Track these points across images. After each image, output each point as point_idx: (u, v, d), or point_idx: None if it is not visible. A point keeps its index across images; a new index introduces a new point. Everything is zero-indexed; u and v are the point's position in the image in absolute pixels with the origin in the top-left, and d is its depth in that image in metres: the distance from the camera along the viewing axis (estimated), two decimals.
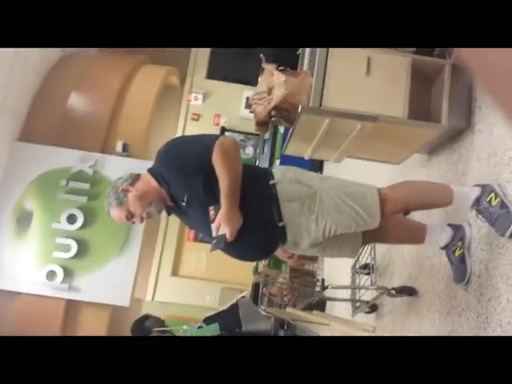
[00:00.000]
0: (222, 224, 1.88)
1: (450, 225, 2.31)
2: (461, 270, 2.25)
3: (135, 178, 2.11)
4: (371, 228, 2.02)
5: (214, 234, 1.91)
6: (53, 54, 6.32)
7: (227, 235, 1.88)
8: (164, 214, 7.10)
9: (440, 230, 2.28)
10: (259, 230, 2.00)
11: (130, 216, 2.08)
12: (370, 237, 2.21)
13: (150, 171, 2.10)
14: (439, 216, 2.62)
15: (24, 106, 6.00)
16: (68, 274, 5.76)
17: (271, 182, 2.00)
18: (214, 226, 1.90)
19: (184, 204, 2.02)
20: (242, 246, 1.99)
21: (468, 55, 0.47)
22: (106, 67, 6.47)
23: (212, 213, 1.92)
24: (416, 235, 2.29)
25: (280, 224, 1.97)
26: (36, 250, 5.81)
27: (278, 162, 5.57)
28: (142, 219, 2.10)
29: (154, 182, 2.06)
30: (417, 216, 2.70)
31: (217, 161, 1.91)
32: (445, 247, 2.29)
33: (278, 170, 2.11)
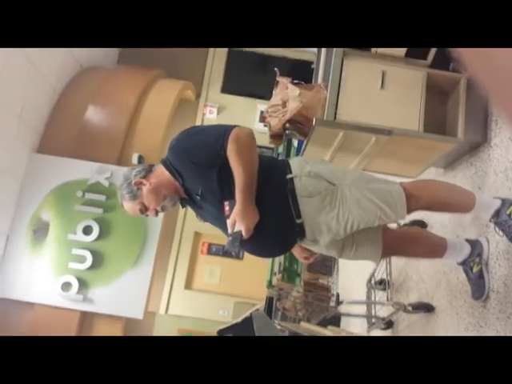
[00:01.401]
0: (238, 221, 1.79)
1: (467, 240, 2.27)
2: (479, 286, 2.21)
3: (148, 169, 2.02)
4: (395, 222, 1.96)
5: (229, 231, 1.82)
6: (70, 68, 6.43)
7: (243, 232, 1.79)
8: (178, 232, 7.08)
9: (459, 245, 2.24)
10: (276, 226, 1.90)
11: (143, 209, 2.00)
12: (389, 249, 2.11)
13: (164, 163, 2.00)
14: (456, 231, 2.58)
15: (42, 119, 6.10)
16: (83, 285, 5.80)
17: (288, 176, 1.89)
18: (229, 223, 1.81)
19: (198, 198, 1.94)
20: (257, 243, 1.90)
21: (467, 55, 0.46)
22: (122, 81, 6.56)
23: (227, 208, 1.83)
24: (436, 249, 2.21)
25: (298, 221, 1.87)
26: (52, 261, 5.86)
27: None
28: (156, 212, 2.02)
29: (167, 175, 1.97)
30: (432, 230, 2.66)
31: (232, 154, 1.81)
32: (462, 263, 2.25)
33: (296, 163, 1.97)
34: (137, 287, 5.82)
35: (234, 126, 1.87)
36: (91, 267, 5.85)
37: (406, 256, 2.39)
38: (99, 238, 5.93)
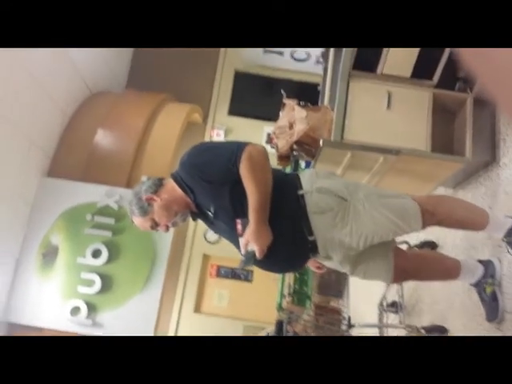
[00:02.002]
0: (251, 241, 1.76)
1: (479, 261, 2.23)
2: (493, 308, 2.17)
3: (158, 184, 1.97)
4: (409, 233, 1.93)
5: (242, 252, 1.80)
6: (80, 92, 6.53)
7: (256, 253, 1.77)
8: (187, 255, 7.03)
9: (473, 267, 2.20)
10: (289, 244, 1.87)
11: (154, 225, 1.97)
12: (403, 273, 2.07)
13: (174, 178, 1.95)
14: (467, 251, 2.54)
15: (52, 143, 6.17)
16: (92, 309, 5.76)
17: (300, 192, 1.86)
18: (242, 243, 1.78)
19: (210, 214, 1.91)
20: (270, 260, 1.86)
21: (469, 55, 0.46)
22: (131, 105, 6.64)
23: (239, 226, 1.80)
24: (450, 272, 2.17)
25: (310, 238, 1.84)
26: (61, 285, 5.85)
27: None
28: (167, 228, 1.98)
29: (178, 190, 1.93)
30: (443, 250, 2.62)
31: (245, 173, 1.76)
32: (475, 284, 2.21)
33: (307, 177, 1.93)
34: (146, 311, 5.77)
35: (247, 144, 1.83)
36: (100, 291, 5.82)
37: (420, 280, 2.34)
38: (108, 261, 5.91)
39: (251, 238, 1.76)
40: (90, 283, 5.82)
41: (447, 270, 2.17)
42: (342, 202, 1.84)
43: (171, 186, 1.95)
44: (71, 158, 6.22)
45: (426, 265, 2.13)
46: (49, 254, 5.96)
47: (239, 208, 1.81)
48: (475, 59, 0.46)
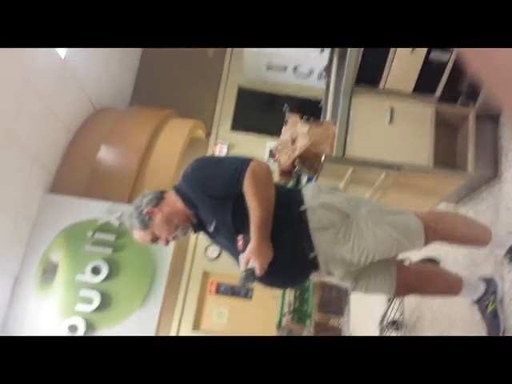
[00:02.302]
0: (252, 259, 1.75)
1: (481, 277, 2.21)
2: (494, 325, 2.15)
3: (160, 197, 1.96)
4: (411, 251, 1.91)
5: (242, 268, 1.78)
6: (84, 109, 6.58)
7: (257, 270, 1.75)
8: (186, 271, 6.97)
9: (474, 283, 2.19)
10: (290, 260, 1.85)
11: (154, 239, 1.96)
12: (405, 288, 2.05)
13: (177, 192, 1.95)
14: (469, 267, 2.51)
15: (56, 159, 6.19)
16: (90, 327, 5.70)
17: (302, 208, 1.84)
18: (242, 260, 1.77)
19: (212, 229, 1.91)
20: (271, 277, 1.84)
21: (472, 56, 0.46)
22: (134, 122, 6.68)
23: (240, 243, 1.79)
24: (452, 288, 2.15)
25: (312, 254, 1.83)
26: (59, 303, 5.79)
27: None
28: (167, 242, 1.97)
29: (180, 204, 1.92)
30: (445, 266, 2.59)
31: (248, 189, 1.76)
32: (477, 301, 2.19)
33: (310, 192, 1.92)
34: (144, 329, 5.70)
35: (251, 160, 1.82)
36: (98, 308, 5.76)
37: (421, 294, 2.31)
38: (107, 278, 5.87)
39: (252, 255, 1.75)
40: (88, 300, 5.76)
41: (449, 285, 2.15)
42: (344, 218, 1.83)
43: (173, 199, 1.94)
44: (74, 175, 6.23)
45: (428, 279, 2.10)
46: (48, 271, 5.92)
47: (241, 224, 1.80)
48: (478, 59, 0.46)
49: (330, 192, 1.94)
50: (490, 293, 2.16)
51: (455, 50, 2.31)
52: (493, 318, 2.15)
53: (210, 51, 7.31)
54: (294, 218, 1.84)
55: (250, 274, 1.76)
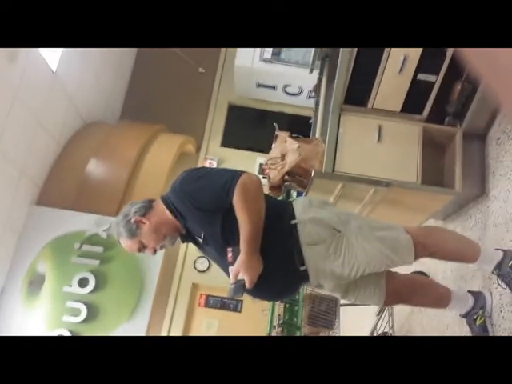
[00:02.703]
0: (241, 272, 1.75)
1: (470, 292, 2.26)
2: None
3: (148, 206, 1.94)
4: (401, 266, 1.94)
5: (231, 281, 1.78)
6: (73, 123, 6.56)
7: (246, 283, 1.75)
8: (175, 283, 6.89)
9: (463, 297, 2.23)
10: (279, 273, 1.86)
11: (142, 248, 1.94)
12: (395, 297, 2.08)
13: (165, 202, 1.92)
14: (458, 282, 2.56)
15: (43, 171, 6.16)
16: None
17: (293, 222, 1.85)
18: (232, 273, 1.77)
19: (201, 241, 1.91)
20: (260, 289, 1.84)
21: (473, 56, 0.47)
22: (124, 136, 6.68)
23: (230, 255, 1.79)
24: (441, 300, 2.18)
25: (302, 268, 1.84)
26: (46, 314, 5.74)
27: None
28: (154, 251, 1.96)
29: (168, 214, 1.90)
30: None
31: (238, 204, 1.75)
32: (465, 315, 2.23)
33: (300, 205, 1.93)
34: None
35: (242, 173, 1.82)
36: (85, 320, 5.72)
37: (410, 305, 2.35)
38: (95, 290, 5.83)
39: (242, 269, 1.75)
40: (75, 312, 5.72)
41: (438, 297, 2.18)
42: (335, 233, 1.85)
43: (161, 208, 1.92)
44: (62, 187, 6.20)
45: (417, 290, 2.13)
46: (35, 283, 5.87)
47: (230, 236, 1.80)
48: (478, 59, 0.46)
49: (320, 206, 1.95)
50: (478, 307, 2.20)
51: (442, 72, 2.38)
52: (482, 332, 2.19)
53: (201, 68, 7.34)
54: (284, 230, 1.85)
55: (239, 287, 1.76)
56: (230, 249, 1.80)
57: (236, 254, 1.77)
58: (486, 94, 2.36)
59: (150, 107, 7.50)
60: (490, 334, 2.16)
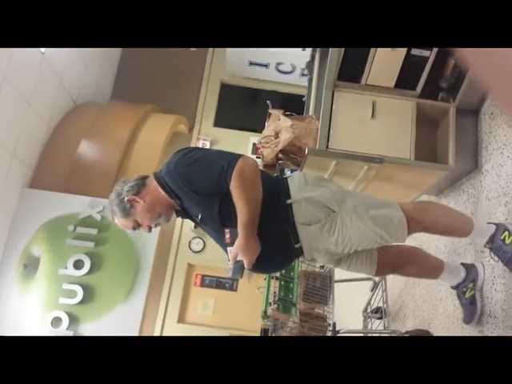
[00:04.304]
0: (240, 254, 1.77)
1: (463, 264, 2.29)
2: (470, 312, 2.24)
3: (141, 184, 1.92)
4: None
5: (230, 263, 1.80)
6: (64, 104, 6.49)
7: (245, 265, 1.78)
8: (171, 264, 6.92)
9: (455, 269, 2.26)
10: (276, 249, 1.88)
11: (136, 226, 1.93)
12: (386, 267, 2.12)
13: (159, 182, 1.89)
14: (451, 256, 2.59)
15: (35, 154, 6.11)
16: (73, 320, 5.69)
17: (288, 201, 1.86)
18: (231, 254, 1.80)
19: (198, 220, 1.91)
20: (258, 266, 1.86)
21: (471, 55, 0.47)
22: (115, 116, 6.62)
23: (228, 236, 1.80)
24: (432, 270, 2.22)
25: (296, 245, 1.87)
26: (42, 297, 5.76)
27: None
28: (149, 229, 1.95)
29: (162, 192, 1.88)
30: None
31: (235, 189, 1.74)
32: (456, 287, 2.27)
33: (296, 184, 1.92)
34: (129, 322, 5.71)
35: (239, 158, 1.80)
36: (82, 302, 5.75)
37: (401, 274, 2.39)
38: (90, 272, 5.86)
39: (240, 251, 1.76)
40: (71, 294, 5.75)
41: (430, 267, 2.21)
42: (329, 213, 1.86)
43: (154, 186, 1.90)
44: (54, 169, 6.16)
45: (409, 260, 2.16)
46: (30, 265, 5.87)
47: (227, 218, 1.81)
48: (477, 59, 0.46)
49: (315, 184, 1.95)
50: (469, 280, 2.24)
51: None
52: (469, 305, 2.24)
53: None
54: (280, 209, 1.86)
55: (238, 268, 1.79)
56: (227, 230, 1.80)
57: (234, 235, 1.78)
58: None
59: (141, 87, 7.43)
60: (478, 308, 2.20)
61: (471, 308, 2.23)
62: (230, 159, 1.79)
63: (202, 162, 1.84)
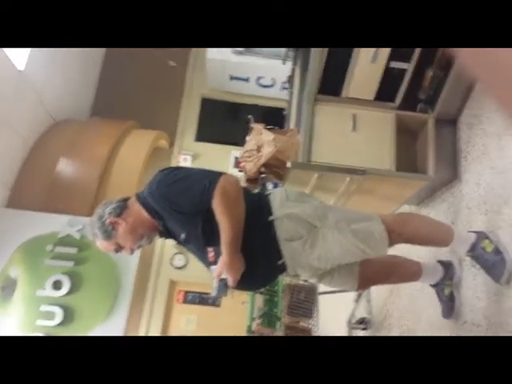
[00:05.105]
0: (224, 272, 1.76)
1: (440, 262, 2.35)
2: (449, 308, 2.34)
3: (123, 206, 1.90)
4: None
5: (214, 281, 1.80)
6: (42, 121, 6.42)
7: (229, 282, 1.77)
8: (152, 281, 6.82)
9: (433, 269, 2.33)
10: (259, 267, 1.89)
11: (119, 248, 1.92)
12: (368, 282, 2.17)
13: (142, 203, 1.88)
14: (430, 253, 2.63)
15: (12, 172, 6.02)
16: None
17: (270, 218, 1.87)
18: (215, 273, 1.79)
19: (181, 240, 1.91)
20: (243, 283, 1.85)
21: (468, 56, 0.47)
22: (95, 133, 6.57)
23: (211, 255, 1.80)
24: (412, 276, 2.30)
25: (280, 262, 1.88)
26: (19, 319, 5.62)
27: None
28: (132, 251, 1.94)
29: (145, 213, 1.87)
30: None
31: (218, 208, 1.75)
32: (435, 285, 2.36)
33: (278, 199, 1.93)
34: None
35: (221, 176, 1.80)
36: (61, 323, 5.64)
37: (384, 284, 2.48)
38: (70, 292, 5.75)
39: (224, 270, 1.76)
40: (50, 316, 5.63)
41: (410, 273, 2.30)
42: (311, 228, 1.87)
43: (137, 208, 1.89)
44: (32, 188, 6.07)
45: (390, 272, 2.21)
46: (7, 288, 5.74)
47: (211, 237, 1.80)
48: (474, 60, 0.47)
49: (297, 200, 1.96)
50: (447, 277, 2.33)
51: (414, 59, 2.42)
52: (448, 301, 2.34)
53: (172, 62, 7.26)
54: (262, 226, 1.87)
55: (222, 286, 1.78)
56: (210, 249, 1.80)
57: (217, 254, 1.78)
58: (457, 79, 2.42)
59: (121, 103, 7.40)
60: (456, 304, 2.30)
61: (450, 304, 2.33)
62: (212, 177, 1.80)
63: (184, 181, 1.84)
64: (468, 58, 0.48)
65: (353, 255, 1.90)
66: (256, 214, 1.87)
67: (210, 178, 1.80)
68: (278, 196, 1.95)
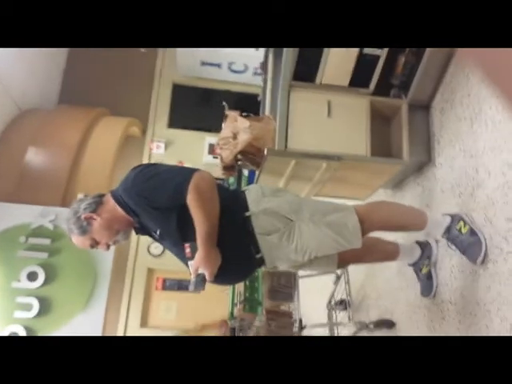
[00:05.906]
0: (201, 267, 1.78)
1: (418, 242, 2.42)
2: (428, 286, 2.41)
3: (98, 202, 1.92)
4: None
5: (192, 276, 1.82)
6: (8, 111, 6.24)
7: (207, 277, 1.80)
8: (130, 269, 6.81)
9: (410, 249, 2.40)
10: (237, 262, 1.92)
11: (94, 244, 1.93)
12: (345, 262, 2.23)
13: (117, 200, 1.90)
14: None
15: None
16: (31, 333, 5.55)
17: (246, 214, 1.90)
18: (192, 268, 1.81)
19: (156, 236, 1.93)
20: (220, 278, 1.89)
21: (474, 55, 0.48)
22: (63, 121, 6.43)
23: (188, 250, 1.81)
24: (390, 256, 2.38)
25: (257, 256, 1.91)
26: None
27: None
28: (107, 247, 1.95)
29: (120, 210, 1.90)
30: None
31: (192, 204, 1.77)
32: (413, 264, 2.44)
33: (253, 196, 1.96)
34: (89, 330, 5.61)
35: (194, 172, 1.82)
36: (39, 314, 5.63)
37: (362, 263, 2.54)
38: (45, 283, 5.72)
39: (201, 265, 1.78)
40: (27, 307, 5.60)
41: (387, 254, 2.38)
42: (287, 222, 1.91)
43: (112, 203, 1.91)
44: (1, 179, 5.93)
45: (367, 252, 2.24)
46: None
47: (186, 232, 1.82)
48: (478, 59, 0.47)
49: (272, 195, 1.98)
50: (424, 257, 2.39)
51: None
52: (426, 280, 2.41)
53: (142, 48, 7.11)
54: (238, 222, 1.90)
55: (200, 281, 1.80)
56: (187, 244, 1.82)
57: (194, 249, 1.80)
58: (429, 65, 2.46)
59: (90, 91, 7.23)
60: (434, 282, 2.37)
61: (428, 282, 2.40)
62: (186, 174, 1.82)
63: (159, 177, 1.86)
64: (472, 58, 0.49)
65: (328, 247, 1.94)
66: (232, 210, 1.90)
67: (184, 174, 1.82)
68: (253, 192, 1.99)
